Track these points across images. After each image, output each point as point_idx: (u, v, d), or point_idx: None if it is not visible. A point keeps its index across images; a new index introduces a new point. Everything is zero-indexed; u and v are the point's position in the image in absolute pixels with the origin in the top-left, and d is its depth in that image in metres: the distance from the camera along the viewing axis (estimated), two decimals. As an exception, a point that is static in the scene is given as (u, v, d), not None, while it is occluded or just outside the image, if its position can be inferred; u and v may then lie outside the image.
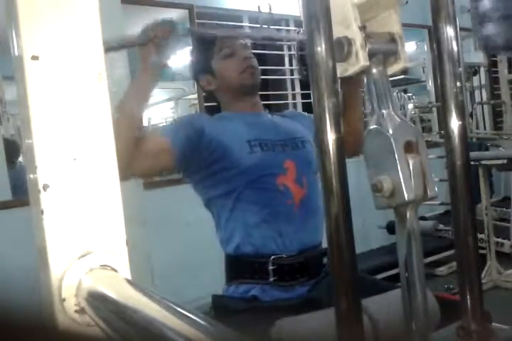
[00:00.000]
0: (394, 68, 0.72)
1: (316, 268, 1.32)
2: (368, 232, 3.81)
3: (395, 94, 5.44)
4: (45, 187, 0.50)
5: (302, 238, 1.32)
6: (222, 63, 1.42)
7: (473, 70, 5.52)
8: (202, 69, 1.46)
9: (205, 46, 1.45)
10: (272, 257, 1.29)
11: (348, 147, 1.29)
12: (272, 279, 1.28)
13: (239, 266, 1.33)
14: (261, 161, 1.33)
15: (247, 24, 3.71)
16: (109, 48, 1.14)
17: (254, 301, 1.28)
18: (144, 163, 1.25)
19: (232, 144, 1.33)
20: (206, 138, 1.33)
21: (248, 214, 1.32)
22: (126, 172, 1.17)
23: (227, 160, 1.32)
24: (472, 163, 3.01)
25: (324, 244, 1.15)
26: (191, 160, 1.33)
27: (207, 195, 1.39)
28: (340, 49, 0.65)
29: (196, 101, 3.80)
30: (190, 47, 1.52)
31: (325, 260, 1.33)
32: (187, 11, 3.39)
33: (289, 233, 1.31)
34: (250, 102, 1.45)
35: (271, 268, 1.28)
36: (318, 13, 0.52)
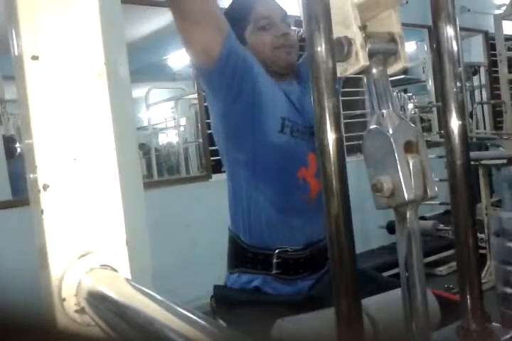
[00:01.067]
0: (394, 68, 0.72)
1: (319, 263, 1.30)
2: (368, 232, 3.81)
3: (395, 94, 5.45)
4: (45, 187, 0.50)
5: (310, 232, 1.30)
6: (257, 35, 1.30)
7: (473, 70, 5.52)
8: (236, 34, 1.25)
9: (240, 12, 1.32)
10: (277, 250, 1.27)
11: None
12: (274, 272, 1.27)
13: (242, 255, 1.31)
14: (287, 147, 1.25)
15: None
16: None
17: (256, 293, 1.27)
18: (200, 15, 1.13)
19: (268, 110, 1.24)
20: (251, 77, 1.22)
21: (262, 200, 1.27)
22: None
23: (257, 122, 1.23)
24: (472, 162, 3.01)
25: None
26: (230, 73, 1.19)
27: (236, 151, 1.29)
28: (340, 49, 0.65)
29: (196, 101, 3.80)
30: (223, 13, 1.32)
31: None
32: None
33: (299, 227, 1.29)
34: (284, 77, 1.34)
35: (275, 261, 1.26)
36: (318, 13, 0.52)
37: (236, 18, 1.29)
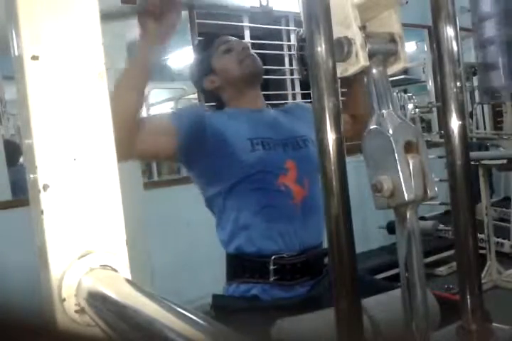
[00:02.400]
0: (394, 68, 0.72)
1: (317, 268, 1.32)
2: (368, 232, 3.81)
3: (395, 94, 5.44)
4: (45, 187, 0.50)
5: (303, 238, 1.32)
6: (222, 59, 1.44)
7: (473, 70, 5.52)
8: (204, 70, 1.47)
9: (204, 48, 1.49)
10: (273, 257, 1.29)
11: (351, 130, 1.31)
12: (272, 279, 1.28)
13: (240, 266, 1.33)
14: (262, 160, 1.32)
15: (247, 24, 3.72)
16: (106, 16, 1.13)
17: (255, 300, 1.28)
18: (145, 141, 1.24)
19: (235, 140, 1.33)
20: (209, 129, 1.33)
21: (248, 214, 1.31)
22: (126, 151, 1.16)
23: (229, 155, 1.32)
24: (472, 163, 3.01)
25: (325, 244, 1.14)
26: (193, 150, 1.32)
27: (207, 191, 1.38)
28: (340, 49, 0.65)
29: (196, 101, 3.80)
30: (193, 52, 1.58)
31: (326, 260, 1.33)
32: (187, 10, 3.39)
33: (291, 233, 1.31)
34: (253, 96, 1.45)
35: (272, 267, 1.28)
36: (318, 13, 0.52)
37: (202, 52, 1.50)
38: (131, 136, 1.17)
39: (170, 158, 1.37)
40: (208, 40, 1.52)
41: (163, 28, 1.21)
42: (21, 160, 3.25)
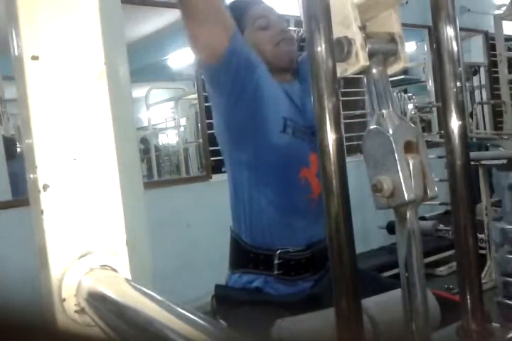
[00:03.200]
0: (394, 68, 0.72)
1: (320, 264, 1.30)
2: (368, 232, 3.81)
3: (395, 94, 5.45)
4: (45, 187, 0.50)
5: (312, 233, 1.29)
6: (257, 35, 1.33)
7: (473, 70, 5.52)
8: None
9: (237, 17, 1.31)
10: (279, 251, 1.27)
11: None
12: (276, 272, 1.27)
13: (244, 255, 1.31)
14: (288, 147, 1.26)
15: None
16: None
17: (257, 293, 1.27)
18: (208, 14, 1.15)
19: (270, 109, 1.25)
20: (256, 75, 1.23)
21: (264, 200, 1.27)
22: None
23: (260, 121, 1.24)
24: (472, 163, 3.01)
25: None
26: (236, 74, 1.21)
27: (232, 151, 1.30)
28: (340, 49, 0.65)
29: (196, 101, 3.80)
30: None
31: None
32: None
33: (301, 228, 1.29)
34: (285, 75, 1.35)
35: (276, 261, 1.27)
36: (318, 13, 0.52)
37: (237, 13, 1.31)
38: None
39: (216, 53, 1.19)
40: (240, 4, 1.36)
41: None
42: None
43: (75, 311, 0.49)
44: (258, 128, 1.25)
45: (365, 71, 0.69)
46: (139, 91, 4.86)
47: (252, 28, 1.33)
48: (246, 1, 1.39)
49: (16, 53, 0.51)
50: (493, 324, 0.67)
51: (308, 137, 1.29)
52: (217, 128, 1.35)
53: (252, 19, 1.33)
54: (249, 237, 1.30)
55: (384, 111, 0.68)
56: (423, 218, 3.78)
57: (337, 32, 0.63)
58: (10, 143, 3.18)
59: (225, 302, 1.30)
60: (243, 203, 1.30)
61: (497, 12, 5.57)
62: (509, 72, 5.03)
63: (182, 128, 5.66)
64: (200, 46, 1.23)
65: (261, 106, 1.24)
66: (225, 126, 1.31)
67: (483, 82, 5.66)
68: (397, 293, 0.69)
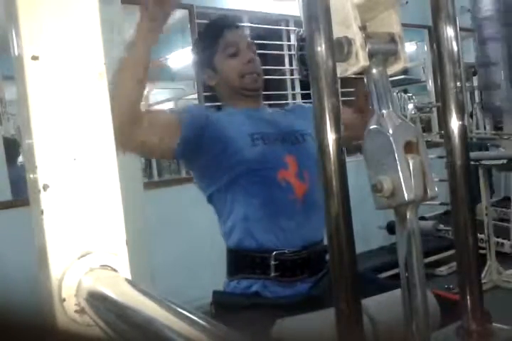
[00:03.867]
0: (394, 68, 0.72)
1: (318, 265, 1.31)
2: (368, 232, 3.81)
3: (395, 94, 5.44)
4: (45, 187, 0.50)
5: (305, 233, 1.31)
6: (225, 62, 1.39)
7: (473, 70, 5.52)
8: (204, 63, 1.44)
9: (210, 40, 1.41)
10: (274, 252, 1.28)
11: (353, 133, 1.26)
12: (273, 275, 1.27)
13: (240, 261, 1.32)
14: (262, 154, 1.32)
15: (248, 24, 3.72)
16: None
17: (256, 297, 1.27)
18: (147, 133, 1.22)
19: (235, 136, 1.33)
20: (211, 127, 1.32)
21: (249, 208, 1.31)
22: (125, 142, 1.14)
23: (229, 150, 1.31)
24: (472, 163, 3.01)
25: (325, 241, 1.14)
26: (194, 146, 1.31)
27: (208, 188, 1.38)
28: (340, 49, 0.65)
29: (196, 102, 3.80)
30: (194, 39, 1.49)
31: (327, 256, 1.31)
32: (187, 10, 3.39)
33: (292, 228, 1.30)
34: (251, 99, 1.44)
35: (273, 263, 1.27)
36: (318, 13, 0.52)
37: (206, 44, 1.41)
38: (131, 127, 1.15)
39: (169, 153, 1.32)
40: (216, 30, 1.43)
41: (164, 10, 1.16)
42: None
43: (75, 311, 0.48)
44: (231, 155, 1.32)
45: (365, 71, 0.69)
46: (138, 92, 4.84)
47: (222, 54, 1.39)
48: (221, 25, 1.45)
49: (16, 53, 0.51)
50: (493, 324, 0.68)
51: (280, 142, 1.36)
52: (197, 182, 1.42)
53: (223, 45, 1.39)
54: (244, 244, 1.31)
55: (384, 111, 0.68)
56: (423, 218, 3.78)
57: (337, 32, 0.63)
58: (10, 144, 3.17)
59: (224, 307, 1.31)
60: (228, 219, 1.34)
61: (497, 12, 5.55)
62: (509, 72, 5.02)
63: (182, 128, 5.65)
64: (155, 155, 1.42)
65: (227, 142, 1.32)
66: (205, 176, 1.39)
67: (483, 82, 5.65)
68: (397, 293, 0.69)
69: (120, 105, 1.09)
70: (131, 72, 1.15)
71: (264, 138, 1.34)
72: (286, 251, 1.29)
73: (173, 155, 1.32)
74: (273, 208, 1.31)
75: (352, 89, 1.52)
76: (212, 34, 1.41)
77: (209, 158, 1.33)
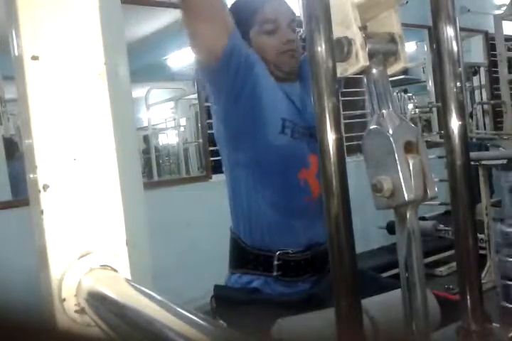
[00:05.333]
0: (394, 68, 0.72)
1: (320, 265, 1.30)
2: (368, 232, 3.81)
3: (395, 94, 5.45)
4: (45, 187, 0.50)
5: (312, 235, 1.29)
6: (261, 39, 1.29)
7: (473, 70, 5.52)
8: (241, 32, 1.25)
9: (247, 11, 1.30)
10: (278, 252, 1.27)
11: None
12: (275, 274, 1.26)
13: (244, 255, 1.31)
14: (287, 149, 1.26)
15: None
16: None
17: (256, 293, 1.26)
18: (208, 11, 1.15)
19: (269, 110, 1.24)
20: (253, 77, 1.22)
21: (263, 202, 1.27)
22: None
23: (258, 123, 1.24)
24: (472, 163, 3.01)
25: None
26: (232, 77, 1.20)
27: (237, 150, 1.29)
28: (340, 49, 0.65)
29: (196, 101, 3.80)
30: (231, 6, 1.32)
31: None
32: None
33: (300, 229, 1.29)
34: (287, 77, 1.32)
35: (276, 263, 1.26)
36: (318, 13, 0.52)
37: (241, 17, 1.26)
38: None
39: (215, 52, 1.17)
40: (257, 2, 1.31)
41: None
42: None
43: (75, 311, 0.48)
44: (256, 129, 1.25)
45: (365, 71, 0.69)
46: (139, 92, 4.86)
47: (259, 30, 1.29)
48: None
49: (16, 53, 0.51)
50: (493, 324, 0.68)
51: (307, 138, 1.28)
52: (216, 129, 1.34)
53: (261, 21, 1.28)
54: (249, 238, 1.29)
55: (384, 111, 0.68)
56: (423, 218, 3.78)
57: (337, 32, 0.63)
58: (10, 144, 3.18)
59: (225, 302, 1.30)
60: (242, 204, 1.30)
61: (497, 12, 5.57)
62: (509, 72, 5.03)
63: (182, 129, 5.66)
64: (198, 45, 1.22)
65: (259, 107, 1.24)
66: (224, 127, 1.30)
67: (483, 82, 5.66)
68: (397, 293, 0.69)
69: None
70: None
71: (294, 130, 1.26)
72: (289, 251, 1.28)
73: (221, 51, 1.17)
74: (287, 207, 1.28)
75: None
76: (250, 8, 1.30)
77: (239, 108, 1.23)
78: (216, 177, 3.30)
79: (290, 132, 1.26)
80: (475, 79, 5.66)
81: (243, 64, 1.20)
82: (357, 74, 0.68)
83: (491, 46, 5.47)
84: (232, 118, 1.26)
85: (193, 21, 1.17)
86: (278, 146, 1.26)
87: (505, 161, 3.13)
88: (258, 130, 1.25)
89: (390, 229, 3.57)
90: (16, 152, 3.23)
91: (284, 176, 1.27)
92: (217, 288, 1.34)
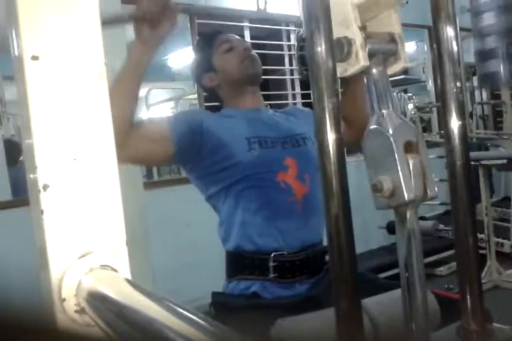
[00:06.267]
0: (394, 68, 0.72)
1: (317, 266, 1.31)
2: (368, 232, 3.81)
3: (395, 94, 5.45)
4: (45, 187, 0.49)
5: (304, 235, 1.31)
6: (223, 57, 1.44)
7: (473, 70, 5.52)
8: (204, 67, 1.48)
9: (206, 45, 1.49)
10: (273, 254, 1.28)
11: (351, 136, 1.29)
12: (272, 276, 1.28)
13: (239, 262, 1.33)
14: (259, 158, 1.33)
15: (247, 24, 3.72)
16: (103, 23, 1.13)
17: (255, 298, 1.28)
18: (140, 145, 1.25)
19: (231, 141, 1.34)
20: (206, 132, 1.33)
21: (248, 211, 1.31)
22: (118, 154, 1.15)
23: (226, 156, 1.32)
24: (472, 163, 3.01)
25: (325, 242, 1.14)
26: (189, 154, 1.33)
27: (207, 190, 1.39)
28: (340, 49, 0.65)
29: (196, 101, 3.80)
30: (193, 50, 1.56)
31: (327, 258, 1.32)
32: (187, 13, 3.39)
33: (291, 230, 1.31)
34: (252, 96, 1.45)
35: (272, 264, 1.28)
36: (318, 13, 0.52)
37: (202, 49, 1.49)
38: (124, 140, 1.16)
39: (165, 162, 1.36)
40: (209, 37, 1.52)
41: (159, 34, 1.20)
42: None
43: (75, 311, 0.48)
44: (226, 159, 1.33)
45: (365, 71, 0.69)
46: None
47: (218, 53, 1.45)
48: (209, 34, 1.55)
49: (16, 53, 0.51)
50: (494, 324, 0.68)
51: (279, 145, 1.37)
52: (193, 181, 1.43)
53: (218, 45, 1.45)
54: (242, 247, 1.32)
55: (384, 111, 0.68)
56: (423, 218, 3.78)
57: (337, 32, 0.63)
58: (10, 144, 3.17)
59: (223, 308, 1.31)
60: (230, 221, 1.34)
61: (497, 12, 5.56)
62: (509, 72, 5.02)
63: (182, 128, 5.65)
64: (152, 163, 1.39)
65: (222, 144, 1.33)
66: (199, 182, 1.40)
67: (483, 82, 5.65)
68: (397, 293, 0.69)
69: (112, 118, 1.11)
70: (124, 88, 1.19)
71: (262, 142, 1.35)
72: (285, 252, 1.29)
73: (169, 162, 1.37)
74: (272, 210, 1.31)
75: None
76: (206, 40, 1.50)
77: (206, 165, 1.34)
78: (216, 177, 3.29)
79: (258, 145, 1.35)
80: (475, 79, 5.66)
81: (192, 142, 1.32)
82: (356, 74, 0.68)
83: (491, 46, 5.46)
84: (203, 170, 1.36)
85: (138, 155, 1.29)
86: (250, 161, 1.32)
87: (505, 161, 3.13)
88: (228, 159, 1.33)
89: (390, 229, 3.57)
90: (16, 153, 3.22)
91: (262, 183, 1.32)
92: (215, 295, 1.35)
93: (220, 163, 1.33)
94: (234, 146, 1.33)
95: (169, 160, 1.38)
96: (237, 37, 1.52)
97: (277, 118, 1.48)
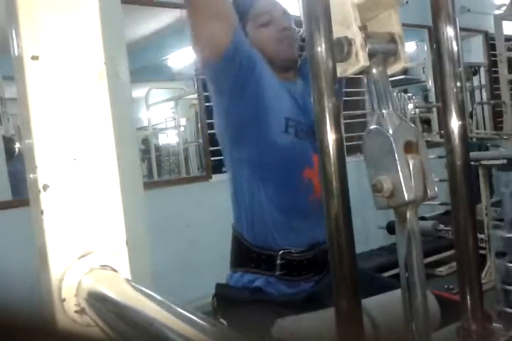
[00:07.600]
0: (394, 68, 0.72)
1: (322, 265, 1.29)
2: (368, 232, 3.81)
3: (395, 94, 5.45)
4: (45, 187, 0.50)
5: (315, 234, 1.28)
6: (259, 31, 1.32)
7: (473, 70, 5.52)
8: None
9: (240, 7, 1.30)
10: (281, 251, 1.26)
11: None
12: (278, 273, 1.26)
13: (246, 254, 1.30)
14: (290, 147, 1.25)
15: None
16: None
17: (258, 293, 1.26)
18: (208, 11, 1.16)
19: (273, 108, 1.24)
20: (256, 74, 1.22)
21: (266, 201, 1.26)
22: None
23: (262, 119, 1.23)
24: (472, 163, 3.01)
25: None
26: (237, 72, 1.20)
27: (232, 149, 1.29)
28: (340, 49, 0.65)
29: (196, 101, 3.80)
30: None
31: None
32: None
33: (303, 228, 1.28)
34: (287, 73, 1.34)
35: (278, 262, 1.26)
36: (318, 13, 0.52)
37: (238, 6, 1.28)
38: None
39: (218, 49, 1.17)
40: None
41: None
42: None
43: (75, 311, 0.48)
44: (259, 128, 1.24)
45: (365, 71, 0.69)
46: (139, 92, 4.86)
47: (255, 24, 1.32)
48: None
49: (16, 53, 0.51)
50: (494, 324, 0.68)
51: (310, 137, 1.28)
52: (218, 127, 1.34)
53: (255, 15, 1.31)
54: (251, 236, 1.29)
55: (384, 111, 0.68)
56: (423, 218, 3.78)
57: (337, 32, 0.63)
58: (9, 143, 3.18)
59: (226, 301, 1.29)
60: (244, 202, 1.29)
61: (497, 12, 5.57)
62: (509, 72, 5.03)
63: (182, 128, 5.66)
64: (202, 43, 1.22)
65: (262, 106, 1.23)
66: (226, 125, 1.30)
67: (483, 82, 5.66)
68: (397, 293, 0.69)
69: None
70: None
71: (298, 129, 1.26)
72: (292, 250, 1.27)
73: (226, 47, 1.17)
74: (290, 206, 1.27)
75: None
76: (243, 5, 1.33)
77: (242, 105, 1.22)
78: (216, 177, 3.30)
79: (294, 131, 1.26)
80: (475, 79, 5.67)
81: (246, 61, 1.20)
82: (357, 74, 0.68)
83: (491, 46, 5.47)
84: (234, 116, 1.26)
85: (199, 18, 1.17)
86: (281, 145, 1.25)
87: (505, 161, 3.13)
88: (261, 129, 1.24)
89: (390, 229, 3.57)
90: (15, 152, 3.23)
91: (287, 175, 1.27)
92: (218, 286, 1.34)
93: (255, 123, 1.22)
94: (272, 118, 1.24)
95: (225, 46, 1.17)
96: (279, 7, 1.34)
97: (308, 96, 1.28)
